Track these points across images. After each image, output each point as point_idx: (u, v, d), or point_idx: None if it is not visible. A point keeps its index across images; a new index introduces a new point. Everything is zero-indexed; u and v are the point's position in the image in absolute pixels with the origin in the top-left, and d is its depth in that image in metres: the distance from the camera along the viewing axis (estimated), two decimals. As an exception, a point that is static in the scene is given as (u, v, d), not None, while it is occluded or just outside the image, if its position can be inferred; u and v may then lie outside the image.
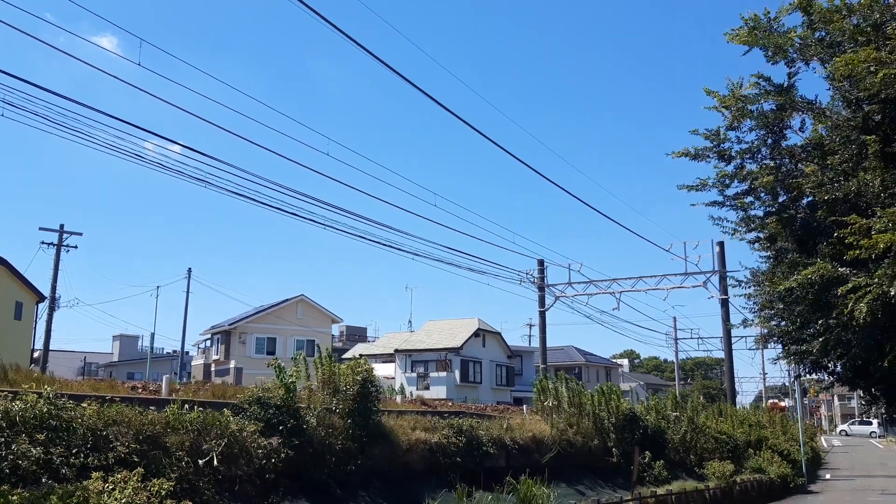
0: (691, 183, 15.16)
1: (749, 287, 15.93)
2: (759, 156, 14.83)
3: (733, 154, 14.76)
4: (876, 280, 10.95)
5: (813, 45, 13.07)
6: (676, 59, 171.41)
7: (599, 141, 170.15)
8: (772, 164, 14.29)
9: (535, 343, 49.02)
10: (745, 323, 17.74)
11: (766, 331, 16.13)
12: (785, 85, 13.81)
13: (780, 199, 14.53)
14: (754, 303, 16.06)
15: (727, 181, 14.94)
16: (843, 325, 12.54)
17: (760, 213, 15.16)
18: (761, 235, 15.41)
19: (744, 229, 15.30)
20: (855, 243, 11.04)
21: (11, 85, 11.81)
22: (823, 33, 12.99)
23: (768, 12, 13.55)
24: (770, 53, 13.60)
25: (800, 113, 13.76)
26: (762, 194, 14.57)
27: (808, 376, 20.69)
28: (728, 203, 15.16)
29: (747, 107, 13.97)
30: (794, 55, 13.45)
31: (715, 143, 14.74)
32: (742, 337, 60.54)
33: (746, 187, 14.85)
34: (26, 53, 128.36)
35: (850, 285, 11.29)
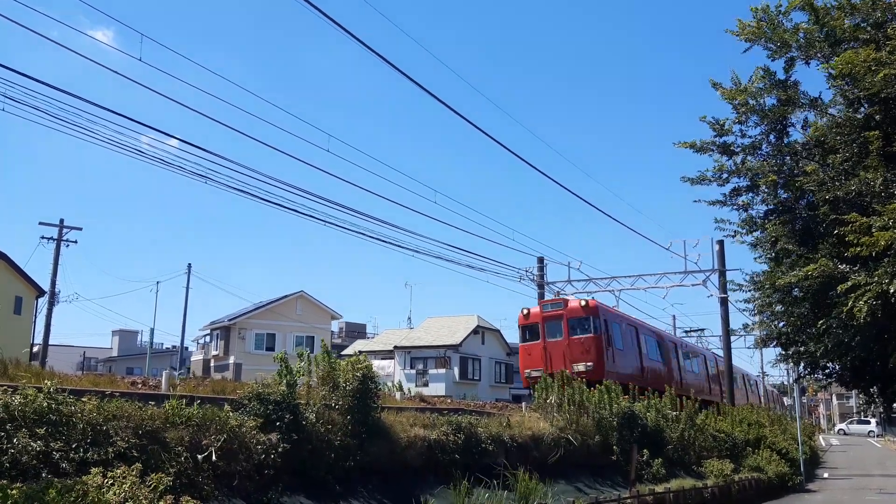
0: (692, 175, 15.28)
1: (748, 290, 15.97)
2: (761, 152, 14.89)
3: (736, 149, 14.83)
4: (876, 278, 10.98)
5: (818, 42, 13.11)
6: (677, 57, 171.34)
7: (599, 139, 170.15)
8: (774, 161, 14.34)
9: (535, 341, 48.89)
10: (746, 328, 17.79)
11: (766, 332, 16.16)
12: (787, 80, 13.85)
13: (782, 197, 14.57)
14: (754, 306, 16.09)
15: (726, 175, 15.00)
16: (842, 325, 12.57)
17: (762, 211, 15.22)
18: (762, 236, 15.46)
19: (745, 231, 15.35)
20: (856, 241, 11.06)
21: (12, 79, 11.82)
22: (824, 32, 13.02)
23: (780, 5, 13.61)
24: (774, 47, 13.62)
25: (802, 109, 13.81)
26: (763, 189, 14.62)
27: (807, 376, 20.73)
28: (730, 202, 15.22)
29: (751, 101, 14.01)
30: (796, 53, 13.48)
31: (719, 134, 14.79)
32: (741, 335, 60.46)
33: (747, 183, 14.90)
34: (22, 47, 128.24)
35: (849, 283, 11.32)
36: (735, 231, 15.48)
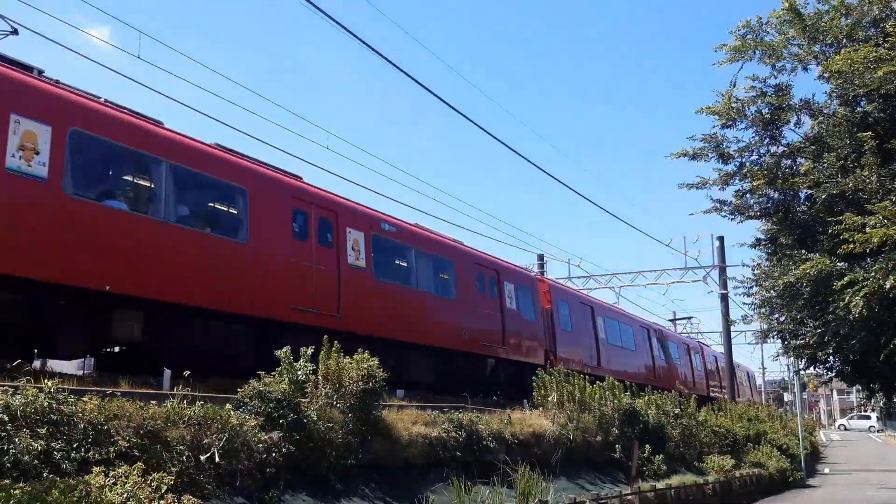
0: (692, 181, 15.30)
1: (749, 286, 16.06)
2: (758, 153, 14.95)
3: (732, 153, 14.88)
4: (872, 274, 11.06)
5: (807, 44, 13.16)
6: (680, 52, 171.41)
7: (600, 136, 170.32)
8: (770, 161, 14.40)
9: (535, 337, 48.92)
10: (744, 319, 17.87)
11: (765, 326, 16.26)
12: (778, 85, 13.92)
13: (779, 197, 14.63)
14: (753, 301, 16.19)
15: (728, 180, 15.06)
16: (840, 319, 12.64)
17: (757, 210, 15.28)
18: (761, 237, 15.54)
19: (740, 218, 15.41)
20: (850, 238, 11.15)
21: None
22: (810, 35, 13.07)
23: (760, 18, 13.70)
24: (766, 59, 13.68)
25: (795, 112, 13.87)
26: (760, 196, 14.70)
27: (806, 370, 20.83)
28: (725, 208, 15.27)
29: (742, 108, 14.07)
30: (788, 63, 13.54)
31: (713, 143, 14.86)
32: (742, 331, 60.50)
33: (748, 186, 14.96)
34: (19, 46, 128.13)
35: (846, 279, 11.40)
36: (732, 213, 15.53)
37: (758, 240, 15.78)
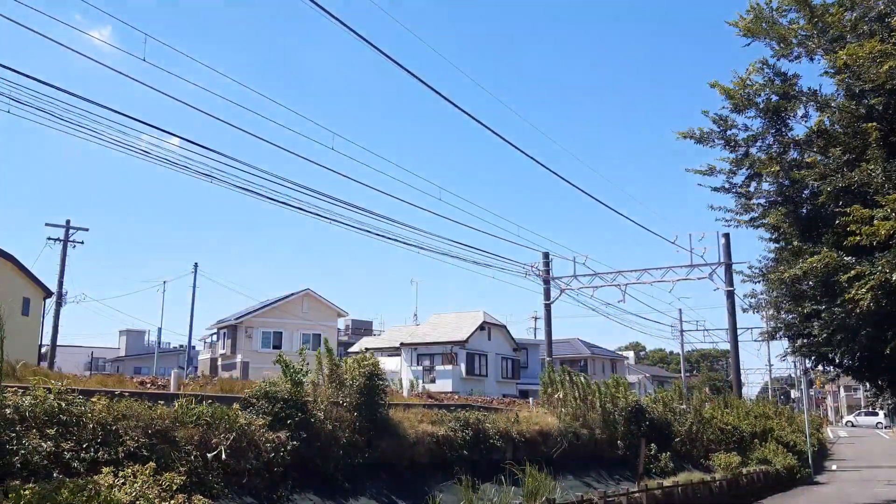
0: (700, 167, 15.26)
1: (756, 282, 16.02)
2: (765, 143, 14.91)
3: (739, 141, 14.84)
4: (879, 268, 11.02)
5: (815, 35, 13.12)
6: (684, 49, 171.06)
7: (604, 134, 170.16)
8: (777, 151, 14.35)
9: (541, 336, 48.89)
10: (752, 307, 17.73)
11: (772, 324, 16.21)
12: (786, 74, 13.88)
13: (785, 185, 14.59)
14: (759, 299, 16.13)
15: (735, 169, 15.02)
16: (847, 313, 12.60)
17: (763, 200, 15.25)
18: (765, 222, 15.51)
19: (746, 217, 15.36)
20: (857, 230, 11.12)
21: (16, 81, 11.82)
22: (819, 27, 13.04)
23: (770, 1, 13.62)
24: (775, 45, 13.65)
25: (803, 103, 13.82)
26: (766, 183, 14.64)
27: (814, 368, 20.76)
28: (733, 190, 15.24)
29: (752, 96, 14.03)
30: (797, 51, 13.49)
31: (722, 128, 14.82)
32: (748, 328, 60.40)
33: (753, 173, 14.91)
34: (16, 47, 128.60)
35: (853, 273, 11.37)
36: (734, 218, 15.50)
37: (761, 224, 15.74)
